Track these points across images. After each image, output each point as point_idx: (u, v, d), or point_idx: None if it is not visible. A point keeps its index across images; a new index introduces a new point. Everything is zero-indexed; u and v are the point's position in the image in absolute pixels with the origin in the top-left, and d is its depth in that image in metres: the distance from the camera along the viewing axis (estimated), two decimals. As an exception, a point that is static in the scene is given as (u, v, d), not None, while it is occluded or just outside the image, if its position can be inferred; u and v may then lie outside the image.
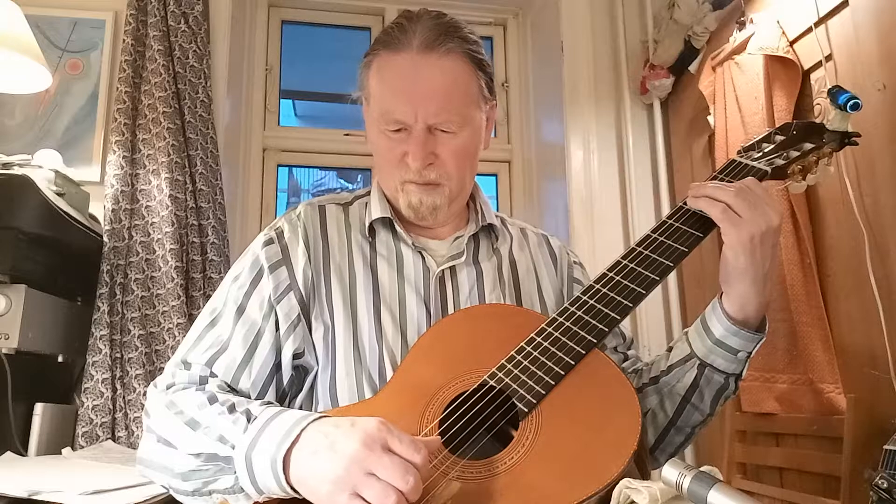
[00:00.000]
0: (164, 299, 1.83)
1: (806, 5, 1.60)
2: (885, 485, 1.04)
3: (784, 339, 1.63)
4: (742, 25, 1.83)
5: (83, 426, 1.70)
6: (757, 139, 0.95)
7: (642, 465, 0.67)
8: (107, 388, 1.73)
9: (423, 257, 0.95)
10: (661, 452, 0.92)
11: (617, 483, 0.61)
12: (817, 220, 1.60)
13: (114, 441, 1.71)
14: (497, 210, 1.09)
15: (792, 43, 1.68)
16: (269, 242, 0.92)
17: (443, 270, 0.94)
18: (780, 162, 0.89)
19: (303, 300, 0.88)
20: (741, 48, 1.81)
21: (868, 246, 1.40)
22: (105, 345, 1.76)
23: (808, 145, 0.91)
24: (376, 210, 0.96)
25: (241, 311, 0.87)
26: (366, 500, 0.61)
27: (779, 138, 0.93)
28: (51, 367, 1.69)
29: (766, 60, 1.71)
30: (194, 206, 1.96)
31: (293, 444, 0.67)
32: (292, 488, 0.67)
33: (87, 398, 1.72)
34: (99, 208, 1.89)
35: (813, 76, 1.63)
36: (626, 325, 0.93)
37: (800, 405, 1.59)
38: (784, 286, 1.61)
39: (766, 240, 0.77)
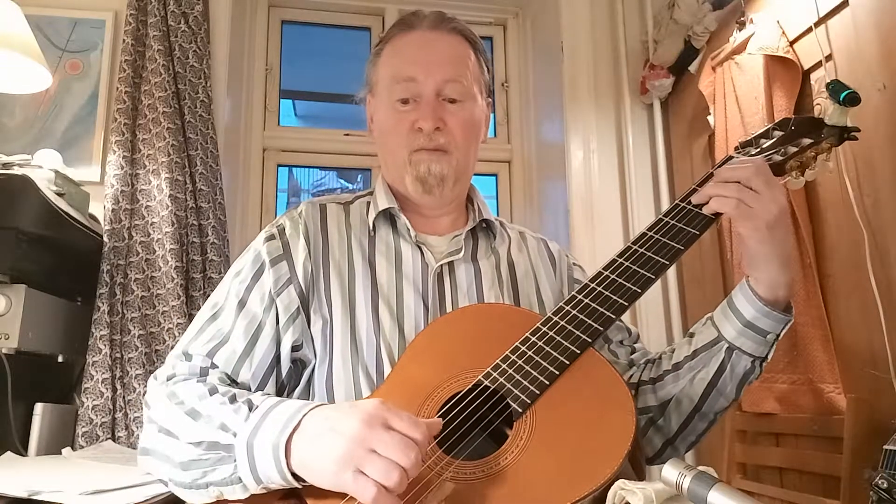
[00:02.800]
0: (164, 299, 1.83)
1: (806, 5, 1.60)
2: (885, 485, 1.04)
3: (784, 339, 1.61)
4: (742, 25, 1.83)
5: (83, 426, 1.70)
6: (755, 135, 0.94)
7: (637, 464, 0.67)
8: (107, 388, 1.73)
9: (422, 252, 0.95)
10: (683, 441, 0.92)
11: (611, 484, 0.61)
12: (817, 220, 1.60)
13: (114, 441, 1.71)
14: (497, 212, 1.10)
15: (792, 43, 1.67)
16: (270, 238, 0.94)
17: (441, 266, 0.95)
18: (777, 158, 0.89)
19: (302, 293, 0.89)
20: (741, 48, 1.81)
21: (868, 246, 1.40)
22: (105, 345, 1.76)
23: (807, 140, 0.90)
24: (382, 202, 0.98)
25: (242, 304, 0.88)
26: (369, 477, 0.62)
27: (777, 133, 0.92)
28: (51, 367, 1.69)
29: (766, 60, 1.71)
30: (194, 206, 1.96)
31: (295, 429, 0.68)
32: (293, 475, 0.68)
33: (87, 398, 1.72)
34: (99, 208, 1.89)
35: (813, 76, 1.63)
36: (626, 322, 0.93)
37: (800, 405, 1.59)
38: (784, 286, 1.61)
39: (780, 222, 0.79)
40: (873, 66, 1.43)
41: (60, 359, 1.68)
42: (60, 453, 1.53)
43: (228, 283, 0.92)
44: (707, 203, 0.83)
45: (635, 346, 1.01)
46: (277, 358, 0.87)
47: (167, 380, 0.83)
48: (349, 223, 0.98)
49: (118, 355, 1.78)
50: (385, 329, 0.88)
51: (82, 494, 1.04)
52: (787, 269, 0.81)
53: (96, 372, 1.74)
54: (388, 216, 0.98)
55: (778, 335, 0.84)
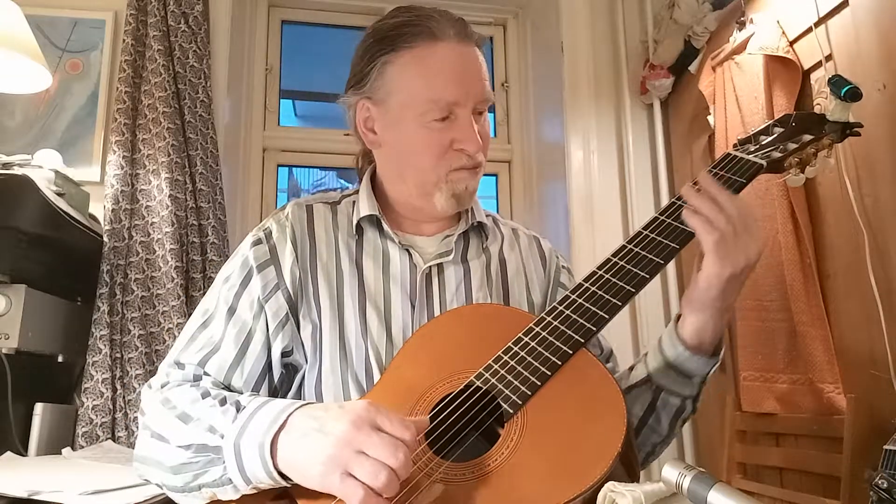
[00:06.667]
0: (164, 299, 1.83)
1: (806, 5, 1.60)
2: (885, 485, 1.04)
3: (784, 339, 1.63)
4: (742, 25, 1.83)
5: (83, 426, 1.70)
6: (754, 131, 0.93)
7: (630, 466, 0.66)
8: (107, 388, 1.73)
9: (409, 255, 0.95)
10: None
11: (601, 485, 0.60)
12: (817, 220, 1.60)
13: (114, 441, 1.71)
14: (497, 210, 1.09)
15: (792, 43, 1.67)
16: (257, 243, 0.93)
17: (430, 267, 0.94)
18: (776, 155, 0.87)
19: (290, 299, 0.89)
20: (741, 48, 1.81)
21: (868, 246, 1.40)
22: (105, 345, 1.76)
23: (808, 137, 0.88)
24: (364, 208, 0.96)
25: (231, 311, 0.88)
26: (357, 479, 0.61)
27: (777, 130, 0.91)
28: (51, 367, 1.69)
29: (766, 60, 1.71)
30: (194, 206, 1.96)
31: (280, 428, 0.68)
32: (280, 474, 0.67)
33: (87, 398, 1.72)
34: (99, 208, 1.89)
35: (813, 76, 1.63)
36: (620, 329, 0.92)
37: (800, 405, 1.59)
38: (784, 286, 1.61)
39: (741, 277, 0.77)
40: (873, 66, 1.43)
41: (60, 359, 1.68)
42: (60, 453, 1.53)
43: (218, 288, 0.91)
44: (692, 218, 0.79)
45: (606, 365, 1.00)
46: (269, 364, 0.87)
47: (161, 387, 0.84)
48: (336, 224, 0.97)
49: (118, 355, 1.78)
50: (373, 332, 0.88)
51: (82, 494, 1.04)
52: (722, 318, 0.80)
53: (96, 372, 1.74)
54: (373, 218, 0.96)
55: (705, 377, 0.83)
